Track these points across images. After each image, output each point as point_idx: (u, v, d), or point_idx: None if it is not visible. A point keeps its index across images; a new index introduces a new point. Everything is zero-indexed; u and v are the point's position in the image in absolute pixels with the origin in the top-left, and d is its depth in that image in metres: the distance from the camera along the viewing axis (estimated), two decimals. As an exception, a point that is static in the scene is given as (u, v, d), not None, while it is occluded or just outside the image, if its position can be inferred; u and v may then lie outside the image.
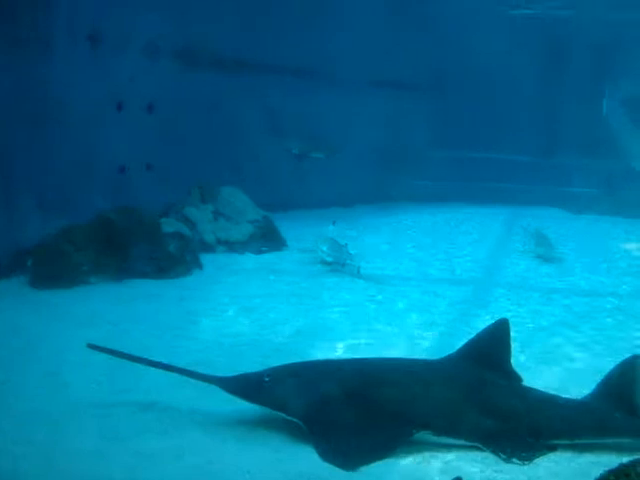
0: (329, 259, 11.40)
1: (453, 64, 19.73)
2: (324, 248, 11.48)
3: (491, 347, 5.64)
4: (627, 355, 5.87)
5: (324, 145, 16.90)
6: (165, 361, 5.95)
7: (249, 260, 12.17)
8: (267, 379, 5.58)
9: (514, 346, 5.95)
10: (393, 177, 18.78)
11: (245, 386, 5.61)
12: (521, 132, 20.02)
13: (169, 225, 11.81)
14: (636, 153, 19.32)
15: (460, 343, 6.08)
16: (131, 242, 10.45)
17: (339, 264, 11.24)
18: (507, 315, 8.82)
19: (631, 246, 13.69)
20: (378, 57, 18.06)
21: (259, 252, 12.61)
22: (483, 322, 8.13)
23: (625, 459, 5.08)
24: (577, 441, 5.40)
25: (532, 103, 20.23)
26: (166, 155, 13.40)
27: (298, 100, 16.39)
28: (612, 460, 5.18)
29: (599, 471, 4.97)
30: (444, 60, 19.66)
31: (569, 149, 19.96)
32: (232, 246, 12.64)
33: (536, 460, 5.23)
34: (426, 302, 9.73)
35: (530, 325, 8.78)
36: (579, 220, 17.64)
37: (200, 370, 5.92)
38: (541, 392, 5.73)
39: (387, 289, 10.42)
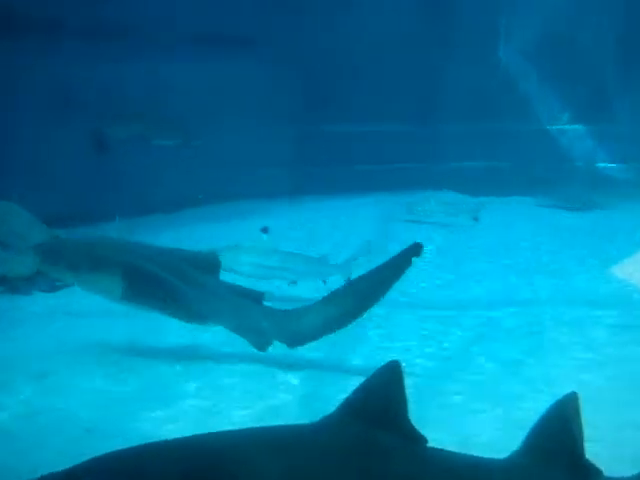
0: None
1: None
2: None
3: (383, 399, 4.38)
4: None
5: (174, 128, 13.93)
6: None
7: (39, 301, 10.43)
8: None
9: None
10: (229, 169, 15.40)
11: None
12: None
13: None
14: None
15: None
16: None
17: None
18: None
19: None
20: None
21: (52, 289, 10.61)
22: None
23: None
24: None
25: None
26: None
27: (96, 70, 13.65)
28: None
29: None
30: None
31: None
32: (14, 284, 10.73)
33: None
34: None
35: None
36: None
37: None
38: (453, 454, 4.59)
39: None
